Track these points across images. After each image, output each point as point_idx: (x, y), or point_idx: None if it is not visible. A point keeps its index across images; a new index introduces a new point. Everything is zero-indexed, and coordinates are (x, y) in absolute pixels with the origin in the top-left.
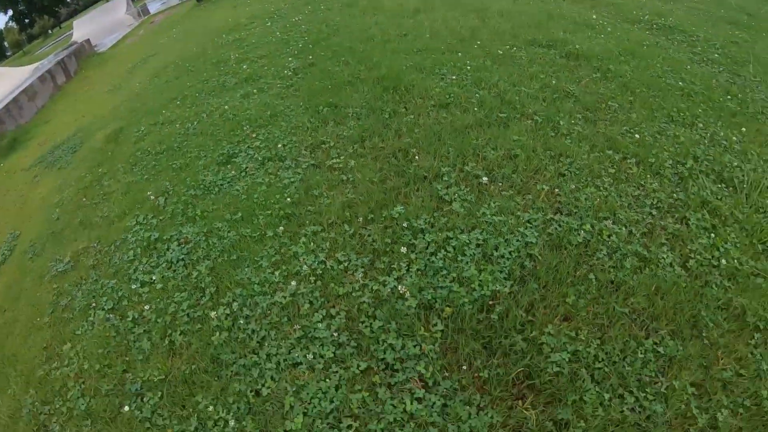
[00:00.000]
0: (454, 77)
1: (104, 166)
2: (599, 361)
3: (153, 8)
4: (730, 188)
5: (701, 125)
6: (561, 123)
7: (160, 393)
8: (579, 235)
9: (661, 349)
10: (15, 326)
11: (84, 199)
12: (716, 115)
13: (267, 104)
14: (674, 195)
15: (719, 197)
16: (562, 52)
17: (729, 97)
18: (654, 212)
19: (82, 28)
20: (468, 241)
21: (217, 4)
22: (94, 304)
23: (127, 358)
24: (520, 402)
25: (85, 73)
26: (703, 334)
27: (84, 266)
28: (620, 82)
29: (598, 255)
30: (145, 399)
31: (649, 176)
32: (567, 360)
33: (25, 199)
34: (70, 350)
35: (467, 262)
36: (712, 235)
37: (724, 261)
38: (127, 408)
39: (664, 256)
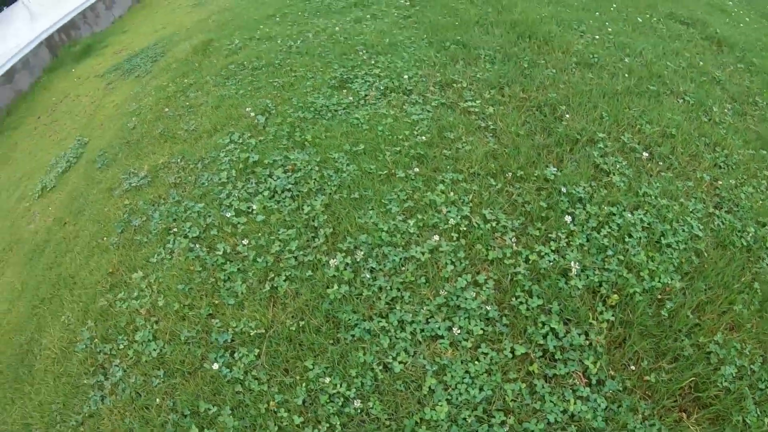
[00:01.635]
0: (596, 37)
1: (190, 76)
2: (762, 382)
3: None
4: None
5: None
6: (714, 110)
7: (256, 350)
8: (743, 237)
9: None
10: (75, 243)
11: (166, 110)
12: None
13: (383, 32)
14: None
15: None
16: (703, 34)
17: None
18: None
19: None
20: (633, 222)
21: None
22: (174, 229)
23: (215, 301)
24: (684, 415)
25: None
26: None
27: (163, 183)
28: (765, 79)
29: (761, 263)
30: (236, 355)
31: None
32: (733, 375)
33: (96, 105)
34: (141, 280)
35: (635, 246)
36: None
37: None
38: (215, 365)
39: None
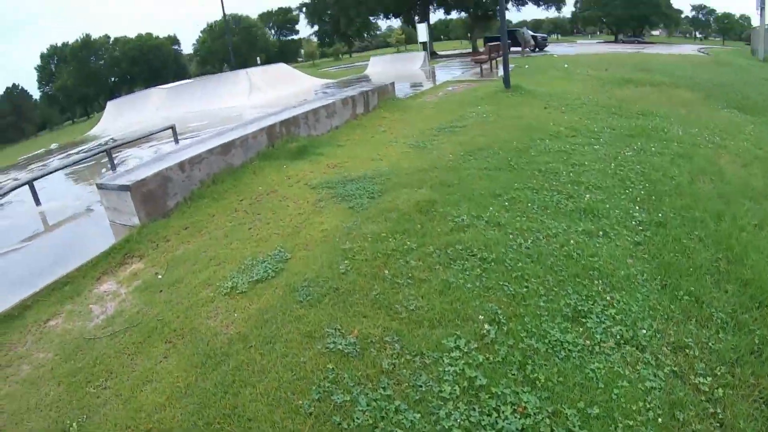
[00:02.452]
0: None
1: (412, 238)
2: None
3: (440, 76)
4: None
5: None
6: None
7: None
8: None
9: None
10: (259, 379)
11: (386, 272)
12: None
13: (616, 258)
14: None
15: None
16: None
17: None
18: None
19: (376, 66)
20: None
21: (524, 95)
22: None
23: None
24: None
25: (382, 113)
26: None
27: (374, 362)
28: None
29: None
30: None
31: None
32: None
33: (303, 219)
34: None
35: None
36: None
37: None
38: None
39: None
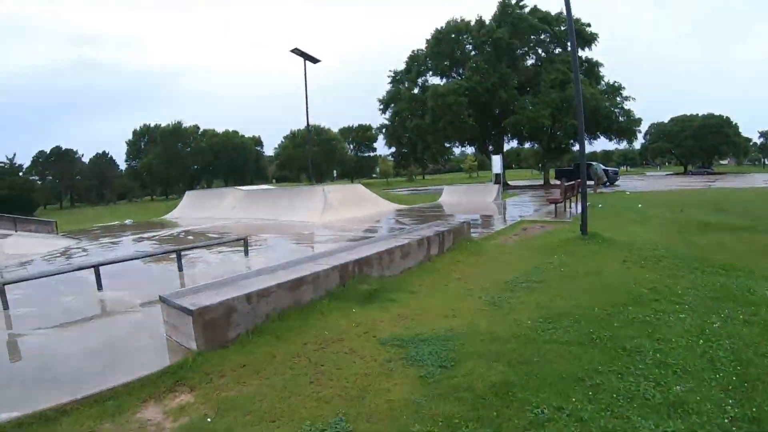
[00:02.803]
0: None
1: (486, 427)
2: None
3: (513, 211)
4: None
5: None
6: None
7: None
8: None
9: None
10: None
11: None
12: None
13: None
14: None
15: None
16: None
17: None
18: None
19: (450, 196)
20: None
21: (601, 244)
22: None
23: None
24: None
25: (457, 256)
26: None
27: None
28: None
29: None
30: None
31: None
32: None
33: (370, 383)
34: None
35: None
36: None
37: None
38: None
39: None
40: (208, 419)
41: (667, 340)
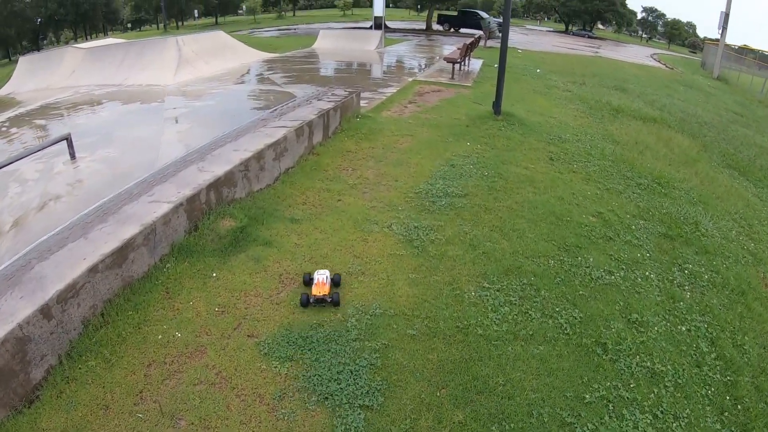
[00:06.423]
0: None
1: None
2: None
3: (399, 70)
4: None
5: None
6: None
7: None
8: None
9: None
10: None
11: None
12: None
13: None
14: None
15: None
16: None
17: None
18: None
19: (326, 41)
20: None
21: (518, 129)
22: None
23: None
24: None
25: (346, 143)
26: None
27: None
28: None
29: None
30: None
31: None
32: None
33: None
34: None
35: None
36: None
37: None
38: None
39: None
40: None
41: (644, 324)
